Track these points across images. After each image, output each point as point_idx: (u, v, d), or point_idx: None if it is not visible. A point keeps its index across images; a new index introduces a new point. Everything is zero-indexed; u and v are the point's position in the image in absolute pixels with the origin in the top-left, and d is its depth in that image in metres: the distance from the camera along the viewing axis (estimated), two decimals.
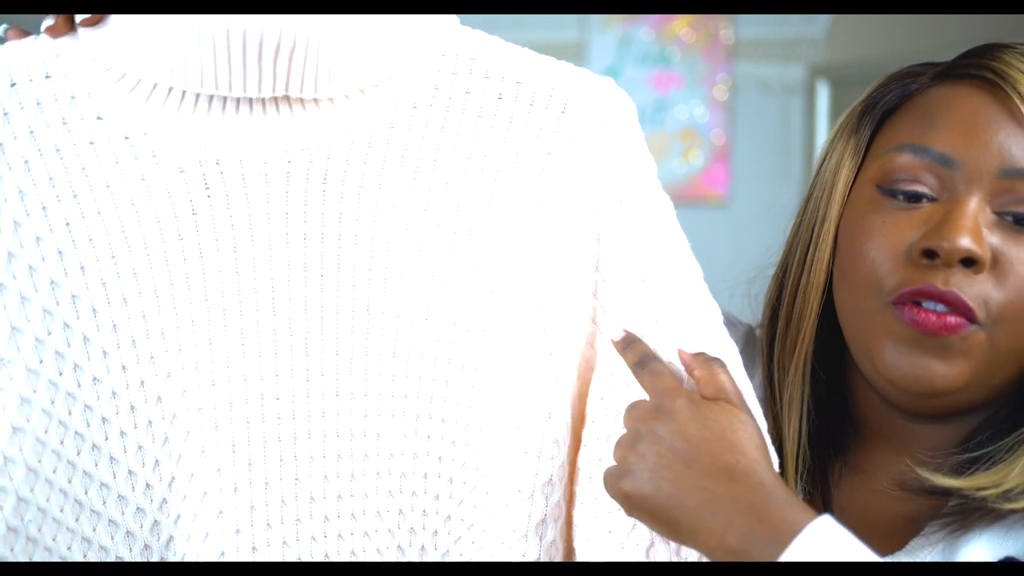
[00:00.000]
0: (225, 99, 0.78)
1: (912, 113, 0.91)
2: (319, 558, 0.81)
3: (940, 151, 0.87)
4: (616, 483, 0.78)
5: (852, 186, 0.93)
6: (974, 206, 0.85)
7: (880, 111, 0.94)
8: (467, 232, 0.81)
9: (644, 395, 0.80)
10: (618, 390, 0.82)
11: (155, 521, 0.81)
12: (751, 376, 0.96)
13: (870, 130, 0.94)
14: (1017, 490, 0.84)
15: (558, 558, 0.85)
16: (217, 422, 0.79)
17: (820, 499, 0.96)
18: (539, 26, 3.01)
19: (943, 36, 2.72)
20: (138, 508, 0.81)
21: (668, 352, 0.81)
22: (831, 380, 0.97)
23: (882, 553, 0.88)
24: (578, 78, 0.84)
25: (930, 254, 0.85)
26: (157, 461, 0.80)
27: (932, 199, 0.87)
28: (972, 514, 0.87)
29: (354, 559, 0.81)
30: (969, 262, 0.84)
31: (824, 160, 0.97)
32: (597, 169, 0.83)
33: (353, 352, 0.80)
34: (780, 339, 0.97)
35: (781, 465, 0.93)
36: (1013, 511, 0.85)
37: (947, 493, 0.87)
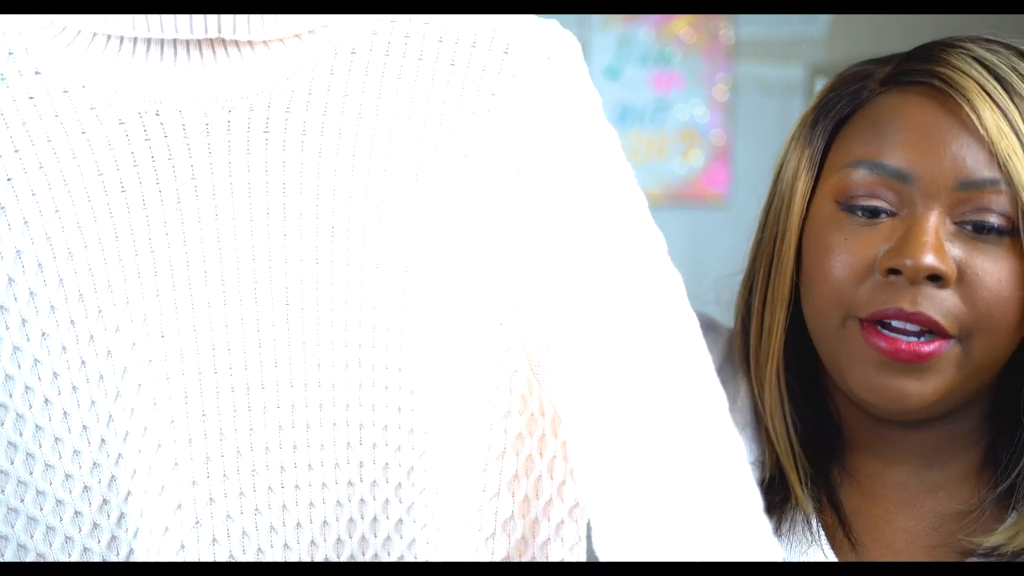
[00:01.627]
0: (162, 42, 0.77)
1: (864, 124, 0.91)
2: (276, 508, 0.80)
3: (895, 166, 0.87)
4: None
5: (811, 198, 0.93)
6: (934, 220, 0.85)
7: (832, 120, 0.93)
8: (413, 177, 0.80)
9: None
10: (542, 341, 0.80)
11: (112, 476, 0.81)
12: (737, 386, 0.99)
13: (823, 140, 0.93)
14: None
15: (527, 555, 0.83)
16: (168, 374, 0.79)
17: (829, 504, 0.95)
18: None
19: (942, 36, 2.72)
20: (94, 463, 0.80)
21: (610, 286, 0.78)
22: (810, 389, 0.96)
23: None
24: (519, 20, 0.83)
25: (895, 271, 0.85)
26: (111, 416, 0.80)
27: (892, 213, 0.87)
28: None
29: (312, 510, 0.81)
30: (935, 278, 0.84)
31: (780, 171, 0.97)
32: (542, 107, 0.80)
33: (303, 301, 0.79)
34: (753, 353, 0.97)
35: (782, 474, 0.95)
36: None
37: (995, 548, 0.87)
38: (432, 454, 0.82)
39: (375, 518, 0.83)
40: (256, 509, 0.80)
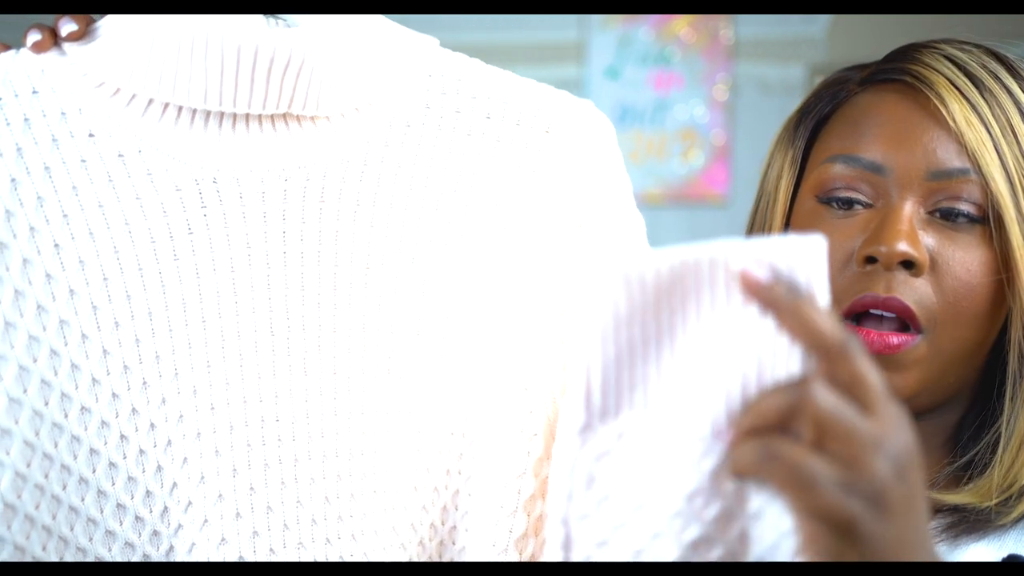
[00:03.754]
0: (222, 115, 0.77)
1: (842, 122, 0.95)
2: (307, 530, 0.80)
3: (870, 159, 0.91)
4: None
5: (794, 197, 0.97)
6: (908, 209, 0.89)
7: (812, 121, 0.98)
8: (458, 248, 0.82)
9: None
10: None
11: (146, 556, 0.80)
12: None
13: (804, 141, 0.98)
14: (1009, 500, 0.87)
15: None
16: (217, 447, 0.78)
17: None
18: (539, 26, 3.01)
19: (943, 36, 2.72)
20: (133, 541, 0.79)
21: None
22: None
23: None
24: (560, 100, 0.87)
25: (870, 259, 0.88)
26: (148, 492, 0.78)
27: (868, 205, 0.91)
28: (971, 522, 0.89)
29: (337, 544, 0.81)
30: (908, 264, 0.88)
31: (766, 172, 1.02)
32: (579, 187, 0.85)
33: (350, 371, 0.80)
34: None
35: None
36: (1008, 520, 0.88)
37: (947, 508, 0.90)
38: (463, 509, 0.84)
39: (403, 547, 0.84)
40: (286, 527, 0.79)
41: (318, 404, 0.79)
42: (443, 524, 0.84)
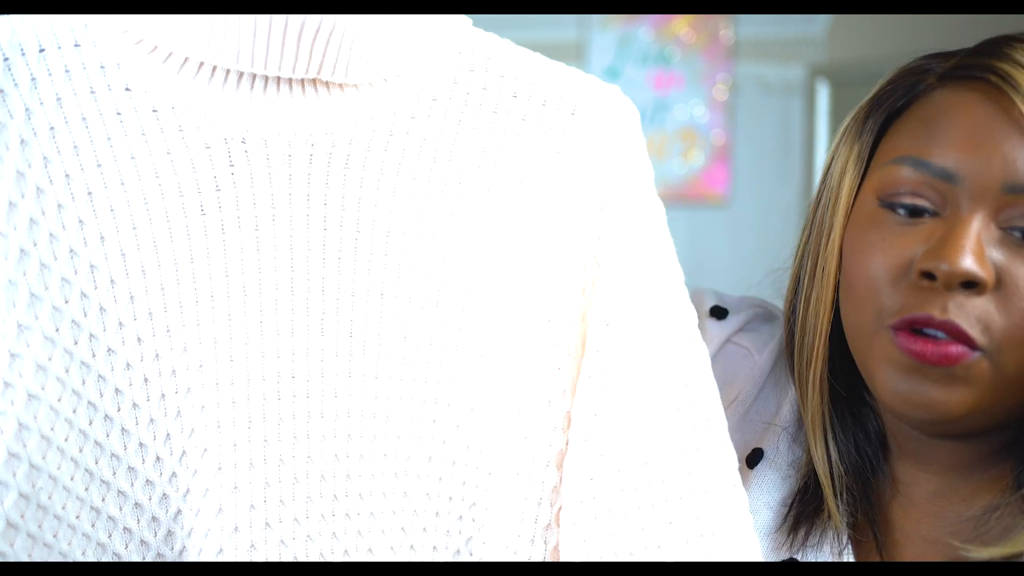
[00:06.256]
0: (254, 77, 0.79)
1: (914, 120, 0.87)
2: (327, 537, 0.82)
3: (941, 166, 0.82)
4: None
5: (856, 194, 0.89)
6: (977, 224, 0.80)
7: (884, 114, 0.90)
8: (479, 222, 0.83)
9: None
10: (600, 392, 0.84)
11: (163, 494, 0.81)
12: (789, 386, 0.97)
13: (873, 135, 0.90)
14: None
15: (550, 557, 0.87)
16: (234, 398, 0.80)
17: (866, 519, 0.91)
18: (539, 26, 3.01)
19: (943, 36, 2.72)
20: (147, 480, 0.81)
21: (643, 352, 0.84)
22: (853, 394, 0.92)
23: None
24: (587, 83, 0.87)
25: (929, 275, 0.81)
26: (168, 434, 0.80)
27: (934, 214, 0.83)
28: None
29: (360, 540, 0.82)
30: (970, 284, 0.80)
31: (830, 165, 0.93)
32: (602, 170, 0.85)
33: (366, 335, 0.81)
34: (797, 356, 0.93)
35: (816, 486, 0.92)
36: None
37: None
38: (473, 484, 0.84)
39: (412, 546, 0.85)
40: (308, 536, 0.81)
41: (333, 364, 0.80)
42: (463, 500, 0.84)
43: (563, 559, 0.85)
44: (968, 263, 0.79)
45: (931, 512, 0.89)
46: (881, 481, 0.92)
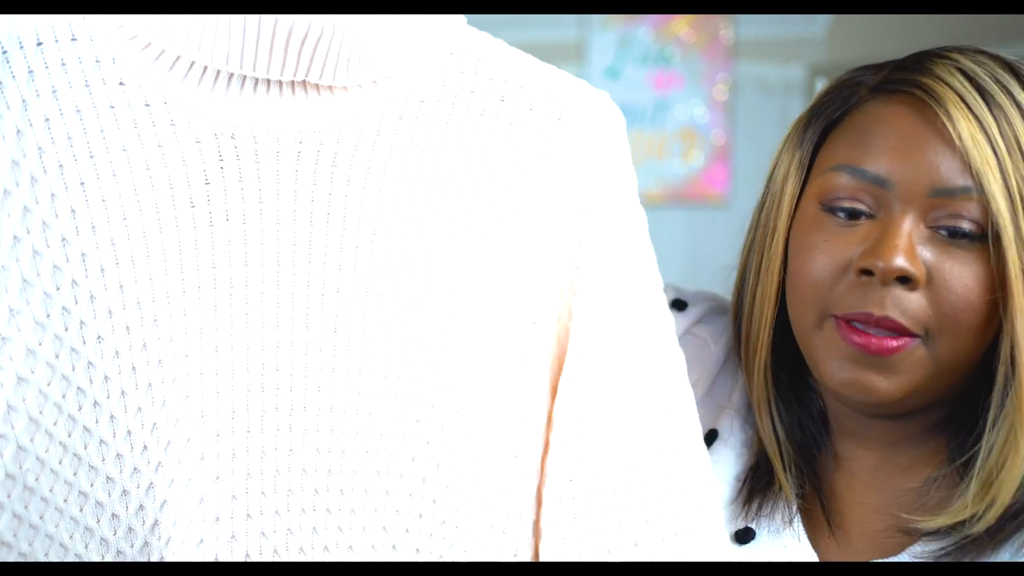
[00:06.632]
0: (244, 78, 0.80)
1: (850, 130, 0.95)
2: (307, 531, 0.82)
3: (875, 173, 0.91)
4: None
5: (799, 198, 0.98)
6: (908, 225, 0.89)
7: (822, 123, 0.98)
8: (464, 223, 0.83)
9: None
10: (582, 392, 0.86)
11: (151, 483, 0.81)
12: (736, 379, 1.06)
13: (812, 143, 0.98)
14: (991, 514, 0.89)
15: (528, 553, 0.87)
16: (219, 388, 0.81)
17: (813, 491, 1.00)
18: (539, 26, 3.01)
19: (943, 36, 2.72)
20: (135, 468, 0.81)
21: (625, 357, 0.86)
22: (796, 379, 1.01)
23: (879, 555, 0.96)
24: (576, 88, 0.88)
25: (867, 272, 0.90)
26: (155, 424, 0.81)
27: (870, 216, 0.92)
28: (961, 547, 0.91)
29: (340, 536, 0.82)
30: (904, 279, 0.89)
31: (774, 170, 1.01)
32: (585, 176, 0.86)
33: (351, 331, 0.81)
34: (744, 346, 1.02)
35: (767, 462, 1.01)
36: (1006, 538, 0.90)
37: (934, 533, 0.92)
38: (457, 488, 0.85)
39: (394, 546, 0.85)
40: (288, 529, 0.81)
41: (317, 358, 0.81)
42: (447, 504, 0.84)
43: (543, 558, 0.86)
44: (901, 261, 0.88)
45: (872, 484, 0.99)
46: (825, 457, 1.02)
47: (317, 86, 0.81)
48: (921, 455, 0.97)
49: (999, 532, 0.89)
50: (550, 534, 0.85)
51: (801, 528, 0.99)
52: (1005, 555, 0.90)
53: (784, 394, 1.01)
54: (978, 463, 0.90)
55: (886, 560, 0.94)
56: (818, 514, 0.99)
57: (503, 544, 0.86)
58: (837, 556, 0.98)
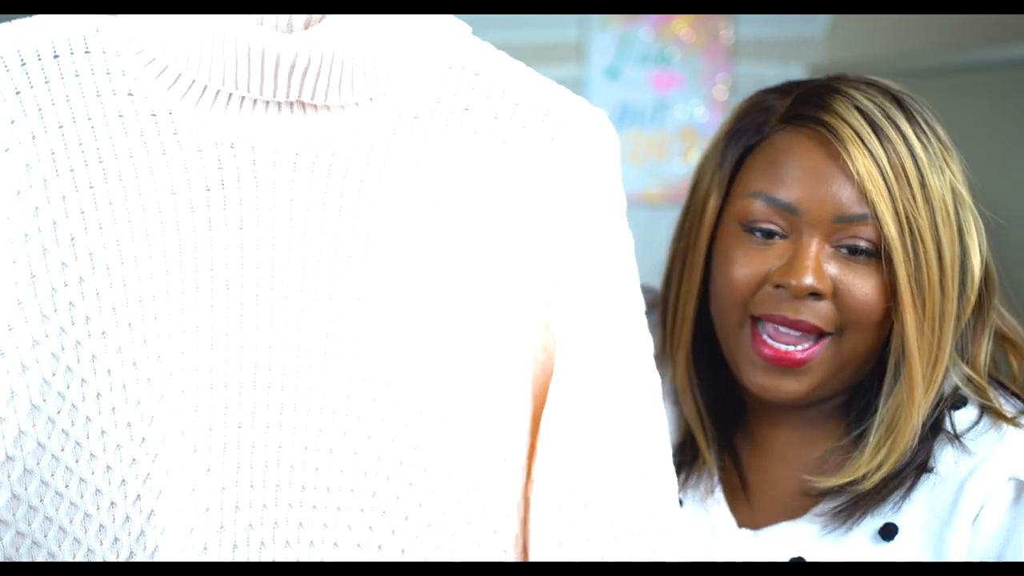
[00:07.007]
0: (243, 97, 0.83)
1: (763, 159, 1.13)
2: (294, 526, 0.84)
3: (786, 201, 1.09)
4: None
5: (721, 215, 1.15)
6: (815, 247, 1.08)
7: (739, 149, 1.15)
8: (454, 236, 0.85)
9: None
10: (568, 402, 0.89)
11: (148, 474, 0.85)
12: (667, 367, 1.20)
13: (730, 167, 1.15)
14: (878, 475, 1.09)
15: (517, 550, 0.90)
16: (212, 383, 0.84)
17: (732, 464, 1.20)
18: (539, 26, 3.01)
19: (943, 36, 2.72)
20: (133, 459, 0.85)
21: (604, 370, 0.90)
22: (717, 369, 1.19)
23: (787, 518, 1.14)
24: (571, 107, 0.90)
25: (781, 287, 1.08)
26: (153, 417, 0.84)
27: (784, 236, 1.10)
28: (855, 503, 1.10)
29: (325, 531, 0.85)
30: (814, 294, 1.08)
31: (695, 187, 1.20)
32: (575, 197, 0.88)
33: (341, 335, 0.84)
34: (668, 339, 1.19)
35: (692, 440, 1.19)
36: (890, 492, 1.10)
37: (830, 491, 1.12)
38: (443, 493, 0.87)
39: (380, 546, 0.86)
40: (275, 523, 0.84)
41: (308, 360, 0.84)
42: (433, 508, 0.86)
43: (533, 557, 0.88)
44: (810, 280, 1.07)
45: (782, 458, 1.18)
46: (742, 435, 1.21)
47: (314, 106, 0.83)
48: (823, 432, 1.17)
49: (883, 489, 1.09)
50: (543, 537, 0.88)
51: (722, 496, 1.18)
52: (888, 507, 1.09)
53: (706, 382, 1.19)
54: (871, 433, 1.10)
55: (792, 521, 1.13)
56: (736, 484, 1.19)
57: (492, 545, 0.87)
58: (751, 519, 1.16)
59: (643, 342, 0.93)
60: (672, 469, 0.94)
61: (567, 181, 0.88)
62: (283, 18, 0.81)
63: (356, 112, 0.84)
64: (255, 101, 0.83)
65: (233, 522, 0.84)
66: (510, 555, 0.88)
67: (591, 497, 0.88)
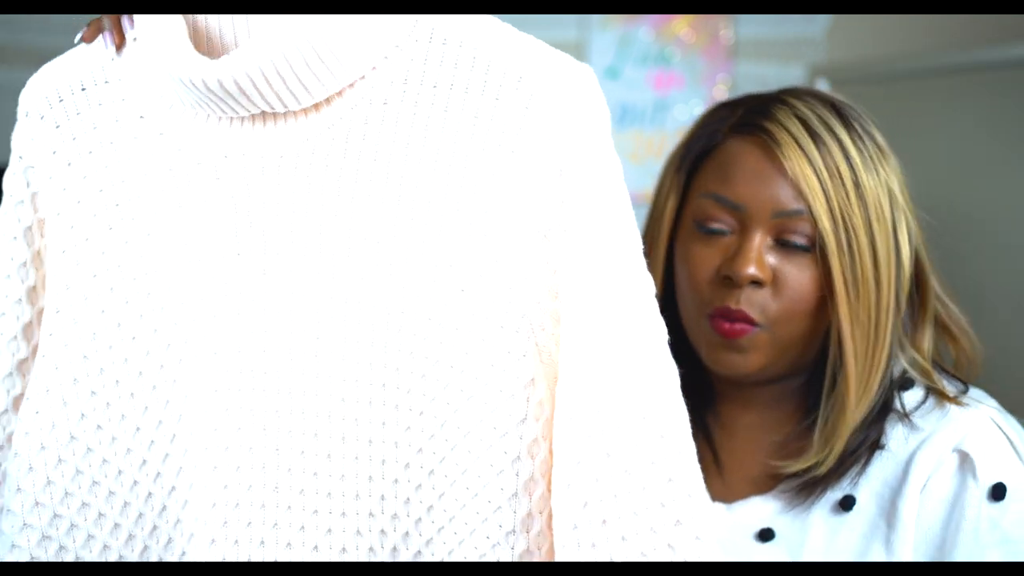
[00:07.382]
0: (220, 117, 0.88)
1: (715, 164, 1.26)
2: (296, 531, 0.85)
3: (733, 200, 1.23)
4: None
5: (680, 214, 1.29)
6: (757, 240, 1.21)
7: (694, 155, 1.29)
8: (438, 228, 0.84)
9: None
10: (581, 388, 0.85)
11: (158, 472, 0.90)
12: None
13: (687, 171, 1.30)
14: (831, 459, 1.20)
15: (545, 546, 0.87)
16: (216, 387, 0.87)
17: (704, 444, 1.31)
18: (539, 26, 3.01)
19: (943, 36, 2.72)
20: (143, 461, 0.90)
21: (613, 346, 0.85)
22: (686, 357, 1.21)
23: (756, 493, 1.26)
24: (546, 70, 0.84)
25: (728, 277, 1.21)
26: (160, 421, 0.89)
27: (731, 232, 1.24)
28: (813, 484, 1.22)
29: (330, 536, 0.85)
30: (755, 283, 1.21)
31: (658, 190, 1.34)
32: (557, 170, 0.83)
33: (332, 338, 0.85)
34: None
35: None
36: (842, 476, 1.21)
37: (791, 475, 1.23)
38: (450, 497, 0.86)
39: (395, 547, 0.86)
40: (275, 523, 0.85)
41: (301, 364, 0.86)
42: (444, 511, 0.85)
43: (559, 556, 0.86)
44: (751, 270, 1.21)
45: (749, 439, 1.31)
46: (713, 418, 1.34)
47: (284, 114, 0.86)
48: (784, 415, 1.29)
49: (835, 472, 1.21)
50: (570, 535, 0.85)
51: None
52: (846, 482, 1.21)
53: (679, 369, 1.25)
54: (819, 424, 1.22)
55: (761, 496, 1.25)
56: (709, 462, 1.30)
57: (503, 546, 0.85)
58: (724, 493, 1.28)
59: (654, 329, 0.88)
60: (698, 467, 0.90)
61: (546, 157, 0.83)
62: (215, 34, 0.86)
63: (328, 109, 0.86)
64: (231, 118, 0.87)
65: (235, 519, 0.86)
66: (535, 554, 0.86)
67: (610, 513, 0.85)
